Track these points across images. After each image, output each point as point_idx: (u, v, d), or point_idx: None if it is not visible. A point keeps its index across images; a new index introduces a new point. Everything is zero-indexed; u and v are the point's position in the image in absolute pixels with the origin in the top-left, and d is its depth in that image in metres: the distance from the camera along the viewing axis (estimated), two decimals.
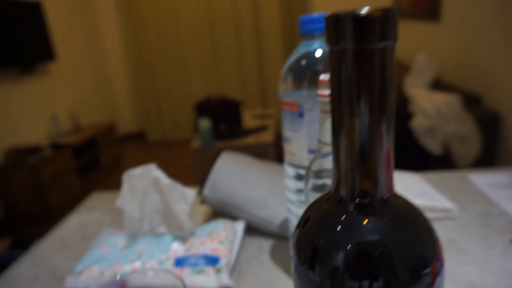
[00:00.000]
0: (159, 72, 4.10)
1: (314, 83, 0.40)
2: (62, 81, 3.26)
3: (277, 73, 3.98)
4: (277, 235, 0.62)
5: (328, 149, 0.36)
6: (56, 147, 2.77)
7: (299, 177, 0.44)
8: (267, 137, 2.64)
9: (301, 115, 0.41)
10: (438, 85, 2.42)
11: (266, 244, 0.61)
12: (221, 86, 4.07)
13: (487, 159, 2.08)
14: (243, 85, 4.08)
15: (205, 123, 2.57)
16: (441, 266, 0.20)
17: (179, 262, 0.54)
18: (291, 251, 0.25)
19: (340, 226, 0.19)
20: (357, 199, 0.19)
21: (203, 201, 0.66)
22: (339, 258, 0.19)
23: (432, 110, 1.93)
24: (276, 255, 0.58)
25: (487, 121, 2.06)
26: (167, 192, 0.54)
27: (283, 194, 0.61)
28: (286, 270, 0.54)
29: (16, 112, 2.68)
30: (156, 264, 0.54)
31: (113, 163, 3.45)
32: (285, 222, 0.60)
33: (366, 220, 0.19)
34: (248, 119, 3.06)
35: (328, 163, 0.39)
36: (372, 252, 0.19)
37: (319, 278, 0.20)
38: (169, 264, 0.54)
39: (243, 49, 3.98)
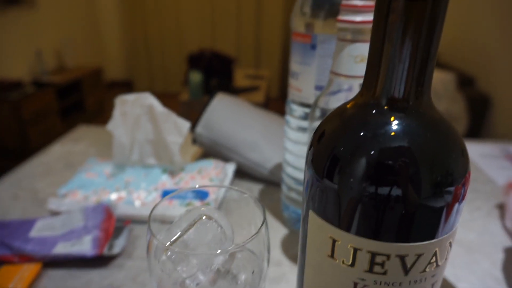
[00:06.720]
0: (153, 19, 3.93)
1: (333, 13, 0.38)
2: (48, 16, 3.09)
3: (274, 34, 3.88)
4: (267, 180, 0.62)
5: (341, 81, 0.35)
6: (39, 84, 2.67)
7: (304, 116, 0.43)
8: (257, 97, 2.60)
9: (313, 47, 0.39)
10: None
11: (255, 187, 0.61)
12: (215, 41, 3.95)
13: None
14: (239, 43, 3.97)
15: (196, 76, 2.50)
16: (464, 193, 0.19)
17: (167, 194, 0.53)
18: (305, 172, 0.23)
19: (367, 128, 0.18)
20: (393, 100, 0.18)
21: (195, 140, 0.65)
22: (365, 162, 0.18)
23: None
24: (264, 198, 0.58)
25: (478, 103, 2.08)
26: (160, 122, 0.52)
27: (277, 140, 0.60)
28: (273, 212, 0.54)
29: None
30: (143, 195, 0.53)
31: (97, 109, 3.36)
32: (277, 168, 0.59)
33: (396, 121, 0.18)
34: (240, 78, 3.00)
35: (335, 103, 0.38)
36: (397, 161, 0.18)
37: (337, 186, 0.19)
38: (156, 195, 0.53)
39: (241, 4, 3.84)
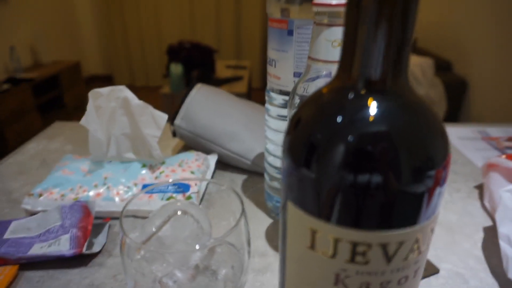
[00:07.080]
0: (130, 11, 3.84)
1: None
2: (21, 10, 2.98)
3: (255, 24, 3.84)
4: (250, 170, 0.61)
5: (319, 66, 0.34)
6: (14, 81, 2.58)
7: (284, 104, 0.42)
8: (240, 88, 2.58)
9: (290, 33, 0.38)
10: (413, 48, 2.42)
11: (239, 178, 0.60)
12: (195, 33, 3.88)
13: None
14: (219, 34, 3.92)
15: (177, 69, 2.47)
16: (445, 176, 0.19)
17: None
18: (282, 161, 0.22)
19: (344, 113, 0.17)
20: (370, 83, 0.17)
21: (174, 132, 0.63)
22: (345, 148, 0.17)
23: None
24: (247, 189, 0.57)
25: (455, 87, 2.11)
26: (137, 115, 0.50)
27: (258, 129, 0.59)
28: (257, 202, 0.53)
29: None
30: (122, 190, 0.52)
31: (77, 104, 3.28)
32: (259, 157, 0.59)
33: (373, 105, 0.17)
34: (222, 69, 2.97)
35: (314, 89, 0.37)
36: (376, 146, 0.17)
37: (315, 175, 0.18)
38: (136, 190, 0.52)
39: None
